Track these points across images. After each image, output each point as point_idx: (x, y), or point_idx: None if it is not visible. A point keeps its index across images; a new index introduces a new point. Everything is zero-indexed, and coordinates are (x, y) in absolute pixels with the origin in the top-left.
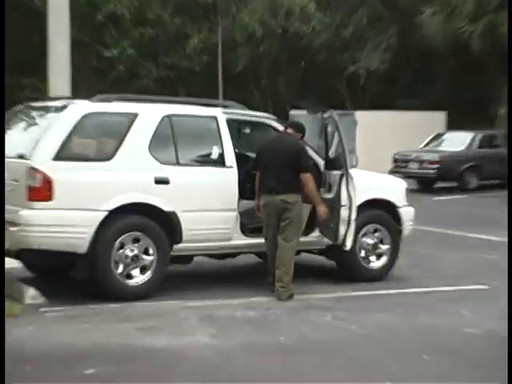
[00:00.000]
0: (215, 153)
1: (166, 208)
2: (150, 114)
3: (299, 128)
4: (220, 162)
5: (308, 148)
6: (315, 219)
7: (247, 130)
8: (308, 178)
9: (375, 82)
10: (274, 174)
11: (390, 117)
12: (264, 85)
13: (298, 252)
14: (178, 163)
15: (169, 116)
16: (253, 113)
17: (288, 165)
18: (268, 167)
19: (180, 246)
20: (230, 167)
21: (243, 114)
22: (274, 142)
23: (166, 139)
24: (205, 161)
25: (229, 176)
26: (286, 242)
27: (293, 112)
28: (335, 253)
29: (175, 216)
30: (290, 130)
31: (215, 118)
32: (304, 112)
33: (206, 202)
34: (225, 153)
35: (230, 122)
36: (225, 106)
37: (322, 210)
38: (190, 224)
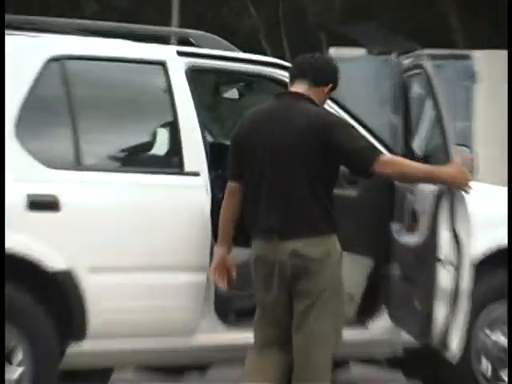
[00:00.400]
0: (162, 143)
1: (51, 263)
2: (19, 55)
3: (321, 74)
4: (173, 162)
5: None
6: (383, 289)
7: (233, 93)
8: (385, 163)
9: None
10: (272, 194)
11: None
12: None
13: (342, 362)
14: (78, 165)
15: (60, 59)
16: (244, 56)
17: (306, 168)
18: (259, 178)
19: (84, 346)
20: (195, 174)
21: (223, 59)
22: (269, 116)
23: (55, 111)
24: (140, 160)
25: (192, 194)
26: (312, 339)
27: (335, 51)
28: (425, 364)
29: (72, 281)
30: (299, 86)
31: (162, 66)
32: (360, 51)
33: (141, 250)
34: (183, 143)
35: (194, 76)
36: (184, 42)
37: (457, 170)
38: (105, 298)
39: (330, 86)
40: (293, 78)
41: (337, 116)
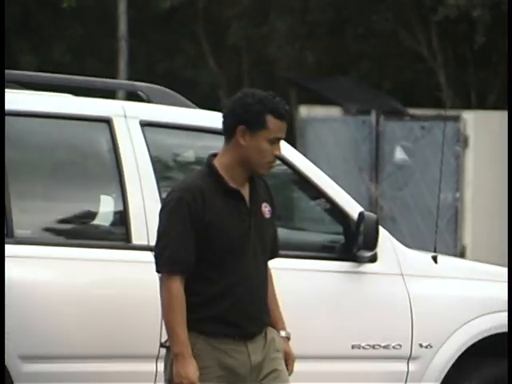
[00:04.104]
0: (106, 212)
1: None
2: None
3: (224, 123)
4: (119, 234)
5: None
6: None
7: (190, 154)
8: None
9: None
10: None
11: None
12: (238, 39)
13: None
14: (9, 237)
15: None
16: (207, 115)
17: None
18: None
19: None
20: (144, 248)
21: (181, 116)
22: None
23: None
24: (77, 232)
25: (141, 272)
26: None
27: (306, 110)
28: None
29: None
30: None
31: (107, 124)
32: (335, 111)
33: (84, 337)
34: (130, 211)
35: (148, 136)
36: (134, 96)
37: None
38: None
39: (241, 127)
40: None
41: (170, 196)
